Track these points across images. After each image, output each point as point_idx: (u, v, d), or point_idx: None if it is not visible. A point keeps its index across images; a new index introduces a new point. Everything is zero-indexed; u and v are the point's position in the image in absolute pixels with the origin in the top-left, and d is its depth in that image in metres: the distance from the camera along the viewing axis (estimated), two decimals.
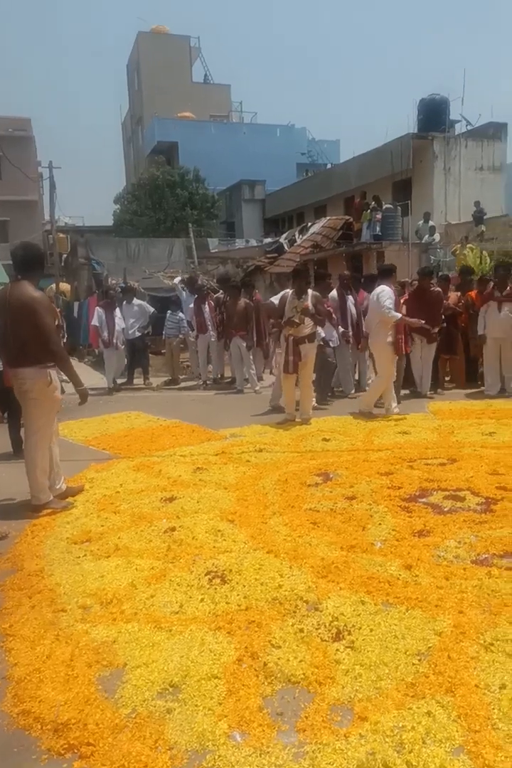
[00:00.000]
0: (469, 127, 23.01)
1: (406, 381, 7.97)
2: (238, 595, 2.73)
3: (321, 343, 7.38)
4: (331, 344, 7.87)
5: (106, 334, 9.76)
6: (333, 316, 7.86)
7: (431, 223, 17.70)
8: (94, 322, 10.02)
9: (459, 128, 23.31)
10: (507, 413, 6.64)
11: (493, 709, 1.88)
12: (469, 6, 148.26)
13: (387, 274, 7.02)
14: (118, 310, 10.01)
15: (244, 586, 2.81)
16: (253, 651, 2.27)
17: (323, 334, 7.42)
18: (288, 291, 6.71)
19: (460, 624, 2.36)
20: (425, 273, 8.19)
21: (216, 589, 2.81)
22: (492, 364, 7.84)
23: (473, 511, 3.67)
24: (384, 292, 6.68)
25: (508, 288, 7.65)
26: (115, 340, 9.76)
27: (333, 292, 8.22)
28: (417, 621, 2.40)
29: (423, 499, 3.94)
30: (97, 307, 10.29)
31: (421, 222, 17.92)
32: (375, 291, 6.89)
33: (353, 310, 8.25)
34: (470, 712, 1.85)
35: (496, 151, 22.31)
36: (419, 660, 2.15)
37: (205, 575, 2.95)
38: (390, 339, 6.70)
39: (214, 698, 2.02)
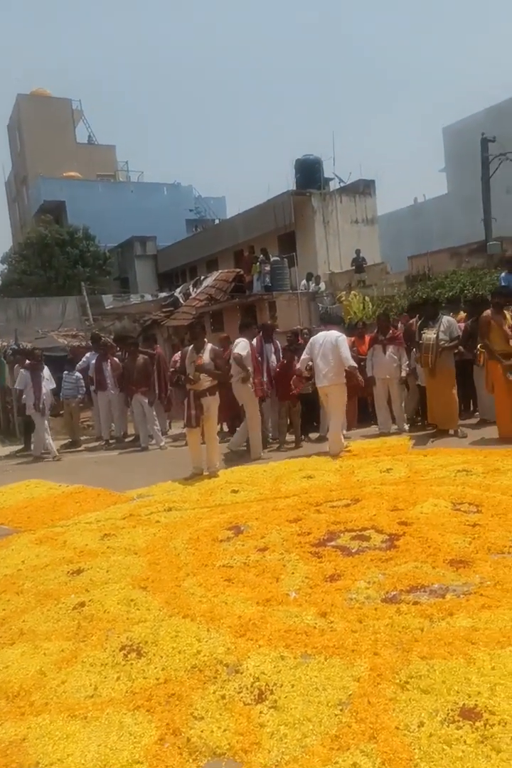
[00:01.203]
0: (342, 184, 24.92)
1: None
2: (155, 667, 2.63)
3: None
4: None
5: (32, 399, 9.23)
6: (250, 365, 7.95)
7: (314, 281, 18.67)
8: (19, 385, 9.45)
9: (333, 185, 25.16)
10: (400, 449, 7.01)
11: (414, 749, 1.93)
12: (335, 72, 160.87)
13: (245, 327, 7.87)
14: (45, 370, 9.53)
15: (162, 657, 2.72)
16: (174, 727, 2.19)
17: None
18: (189, 347, 6.79)
19: (376, 666, 2.42)
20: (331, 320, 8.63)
21: (132, 664, 2.69)
22: (382, 404, 8.28)
23: (379, 549, 3.81)
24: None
25: (390, 331, 8.18)
26: (41, 405, 9.23)
27: (254, 340, 8.35)
28: (336, 669, 2.44)
29: (332, 542, 4.04)
30: (22, 369, 9.65)
31: (304, 281, 18.87)
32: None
33: (273, 359, 8.46)
34: (393, 757, 1.89)
35: (368, 204, 24.30)
36: (341, 709, 2.18)
37: (120, 650, 2.83)
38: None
39: None
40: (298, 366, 7.63)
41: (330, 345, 7.16)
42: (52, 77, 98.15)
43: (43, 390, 9.28)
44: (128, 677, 2.59)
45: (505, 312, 6.91)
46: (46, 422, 9.36)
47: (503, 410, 6.85)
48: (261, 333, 8.58)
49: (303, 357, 7.51)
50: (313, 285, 18.57)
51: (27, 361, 9.78)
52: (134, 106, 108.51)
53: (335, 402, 7.26)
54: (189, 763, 2.02)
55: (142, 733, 2.19)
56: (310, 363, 7.34)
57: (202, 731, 2.15)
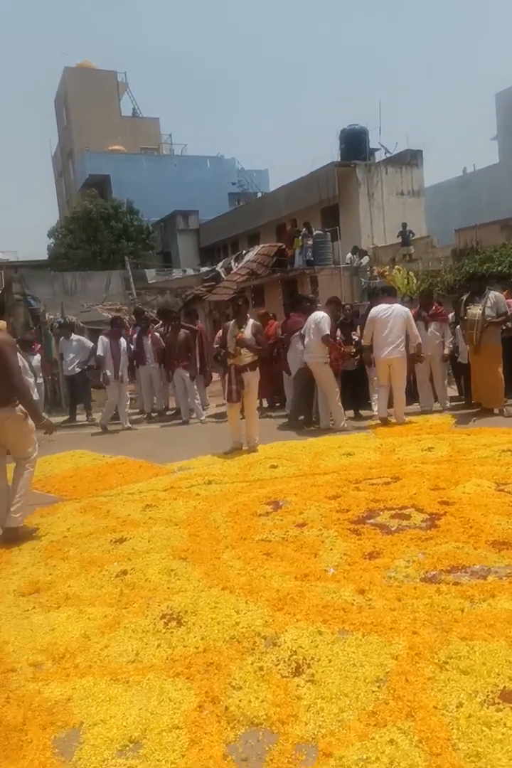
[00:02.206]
0: (388, 155, 24.23)
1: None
2: (194, 636, 2.69)
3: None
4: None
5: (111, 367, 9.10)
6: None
7: (358, 254, 18.31)
8: (100, 351, 9.17)
9: (379, 156, 24.52)
10: (442, 428, 6.89)
11: (452, 729, 1.92)
12: (383, 40, 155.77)
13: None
14: (122, 340, 9.41)
15: (201, 626, 2.77)
16: (213, 695, 2.24)
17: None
18: (231, 322, 6.81)
19: (415, 645, 2.41)
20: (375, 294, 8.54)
21: (172, 632, 2.76)
22: (425, 381, 8.13)
23: (419, 528, 3.77)
24: (324, 319, 7.19)
25: (433, 308, 7.99)
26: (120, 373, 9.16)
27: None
28: (374, 646, 2.44)
29: (371, 520, 4.02)
30: (102, 336, 9.41)
31: (350, 254, 18.54)
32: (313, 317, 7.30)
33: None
34: (431, 736, 1.89)
35: (414, 176, 23.55)
36: (378, 686, 2.19)
37: (160, 619, 2.90)
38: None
39: (176, 750, 1.98)
40: (363, 341, 7.73)
41: (401, 319, 7.33)
42: (98, 49, 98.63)
43: (122, 359, 9.17)
44: (168, 645, 2.65)
45: None
46: (127, 392, 9.25)
47: None
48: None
49: (366, 331, 7.57)
50: (357, 259, 18.26)
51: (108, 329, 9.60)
52: (178, 78, 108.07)
53: (401, 374, 7.43)
54: (227, 730, 2.06)
55: (182, 699, 2.24)
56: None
57: (240, 701, 2.19)
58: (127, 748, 2.03)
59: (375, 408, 8.00)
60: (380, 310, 7.45)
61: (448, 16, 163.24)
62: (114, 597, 3.20)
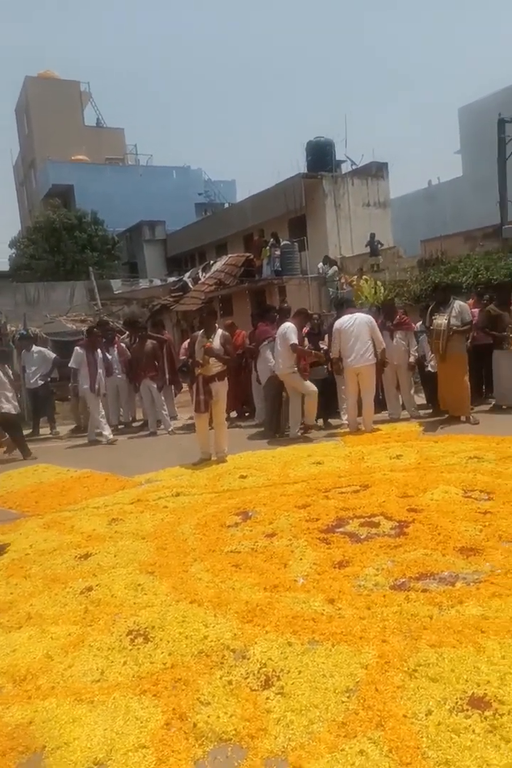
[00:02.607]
0: (354, 167, 24.63)
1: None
2: (162, 652, 2.63)
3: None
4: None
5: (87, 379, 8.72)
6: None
7: (328, 264, 18.49)
8: (74, 363, 8.83)
9: (345, 168, 24.90)
10: (410, 435, 6.96)
11: (422, 737, 1.91)
12: (349, 54, 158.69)
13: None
14: (98, 350, 9.04)
15: (168, 641, 2.71)
16: (181, 712, 2.18)
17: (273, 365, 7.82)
18: (199, 332, 6.79)
19: (384, 653, 2.40)
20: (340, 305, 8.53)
21: (139, 648, 2.69)
22: (392, 389, 8.22)
23: (388, 536, 3.78)
24: (290, 328, 7.29)
25: (396, 317, 8.09)
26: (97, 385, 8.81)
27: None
28: (344, 656, 2.42)
29: (341, 529, 4.01)
30: (77, 347, 8.99)
31: (321, 264, 18.71)
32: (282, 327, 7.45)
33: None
34: (400, 745, 1.87)
35: (380, 188, 24.00)
36: (348, 697, 2.16)
37: (127, 635, 2.82)
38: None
39: None
40: (331, 354, 7.76)
41: (365, 327, 7.43)
42: (60, 59, 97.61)
43: (99, 370, 8.85)
44: (135, 662, 2.58)
45: None
46: (100, 404, 8.88)
47: None
48: (278, 318, 8.57)
49: (333, 345, 7.63)
50: (327, 268, 18.41)
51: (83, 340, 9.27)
52: (143, 89, 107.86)
53: (370, 381, 7.51)
54: (195, 747, 2.01)
55: (149, 717, 2.18)
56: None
57: (208, 716, 2.15)
58: None
59: (344, 417, 8.06)
60: (344, 321, 7.55)
61: (413, 31, 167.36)
62: (78, 615, 3.11)
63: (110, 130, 41.13)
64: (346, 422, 7.80)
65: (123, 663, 2.59)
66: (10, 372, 8.65)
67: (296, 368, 7.42)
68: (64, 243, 26.86)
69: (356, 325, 7.45)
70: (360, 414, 7.61)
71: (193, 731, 2.09)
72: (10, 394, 8.09)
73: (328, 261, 18.81)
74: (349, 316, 7.61)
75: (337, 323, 7.63)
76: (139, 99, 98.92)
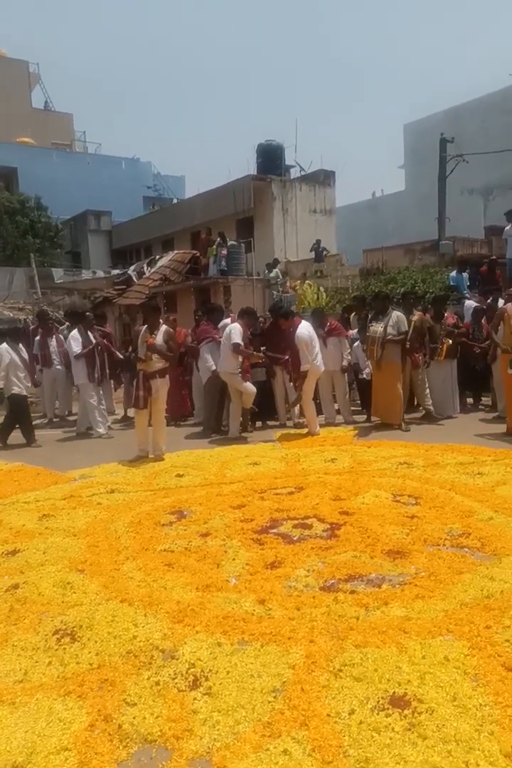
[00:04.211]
0: (303, 173, 24.94)
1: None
2: (89, 652, 2.59)
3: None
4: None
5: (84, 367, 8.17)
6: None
7: (273, 264, 18.60)
8: (76, 347, 8.16)
9: (294, 173, 25.18)
10: (345, 440, 7.11)
11: (344, 736, 1.96)
12: (302, 61, 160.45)
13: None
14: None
15: (96, 641, 2.67)
16: (106, 713, 2.16)
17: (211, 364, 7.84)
18: (143, 327, 6.71)
19: (311, 654, 2.45)
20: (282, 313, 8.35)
21: (65, 649, 2.63)
22: (327, 395, 8.37)
23: (320, 538, 3.85)
24: (234, 329, 7.27)
25: (328, 324, 8.20)
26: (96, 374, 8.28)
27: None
28: (272, 656, 2.45)
29: (274, 530, 4.06)
30: (74, 331, 8.36)
31: (267, 269, 18.80)
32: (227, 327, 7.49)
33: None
34: (323, 744, 1.92)
35: (327, 195, 24.44)
36: (274, 697, 2.20)
37: (53, 635, 2.76)
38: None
39: None
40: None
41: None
42: (9, 37, 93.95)
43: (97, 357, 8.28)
44: (60, 662, 2.53)
45: None
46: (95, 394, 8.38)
47: (510, 404, 6.94)
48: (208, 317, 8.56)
49: (308, 354, 7.32)
50: (266, 272, 18.50)
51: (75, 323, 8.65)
52: (95, 77, 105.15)
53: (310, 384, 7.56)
54: (119, 749, 1.99)
55: (72, 719, 2.15)
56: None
57: (134, 718, 2.13)
58: None
59: (282, 419, 8.24)
60: (309, 328, 7.50)
61: (366, 45, 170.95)
62: (2, 613, 3.02)
63: (58, 114, 39.93)
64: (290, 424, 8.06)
65: (48, 663, 2.53)
66: (25, 352, 8.14)
67: (240, 370, 7.43)
68: (4, 227, 25.79)
69: (313, 333, 7.49)
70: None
71: (117, 733, 2.07)
72: (22, 376, 7.83)
73: (275, 262, 18.94)
74: (307, 323, 7.58)
75: (308, 332, 7.44)
76: (90, 86, 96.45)
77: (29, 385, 8.11)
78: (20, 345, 8.10)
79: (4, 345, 7.81)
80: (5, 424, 8.07)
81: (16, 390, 7.76)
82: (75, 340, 8.22)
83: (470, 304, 9.74)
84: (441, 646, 2.45)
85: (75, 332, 8.34)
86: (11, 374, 7.72)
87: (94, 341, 8.31)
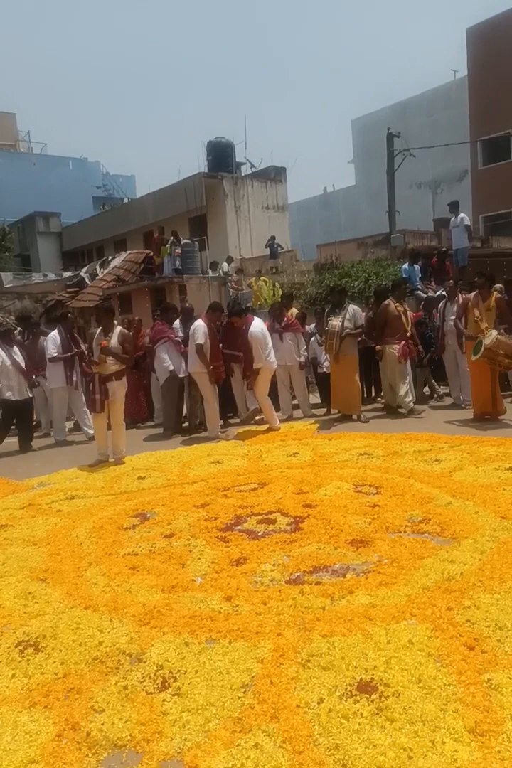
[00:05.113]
0: (253, 170, 25.00)
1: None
2: (54, 662, 2.53)
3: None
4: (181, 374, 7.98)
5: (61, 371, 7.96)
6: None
7: (233, 265, 18.60)
8: (53, 350, 7.89)
9: (245, 170, 25.21)
10: (306, 434, 7.18)
11: (314, 725, 1.98)
12: (249, 59, 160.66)
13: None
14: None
15: (61, 650, 2.62)
16: (73, 722, 2.12)
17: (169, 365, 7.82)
18: (97, 329, 6.60)
19: (279, 647, 2.47)
20: (235, 311, 8.30)
21: (28, 660, 2.57)
22: (284, 390, 8.43)
23: (284, 532, 3.88)
24: (199, 328, 7.23)
25: (285, 319, 8.27)
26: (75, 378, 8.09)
27: (177, 322, 8.29)
28: (240, 652, 2.46)
29: (239, 527, 4.07)
30: (54, 333, 8.14)
31: (225, 264, 18.77)
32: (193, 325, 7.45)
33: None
34: (294, 735, 1.93)
35: (279, 191, 24.59)
36: (244, 692, 2.20)
37: (15, 647, 2.69)
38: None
39: None
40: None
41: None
42: None
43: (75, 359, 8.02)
44: (24, 674, 2.47)
45: (493, 295, 7.03)
46: (82, 398, 8.17)
47: (475, 391, 7.11)
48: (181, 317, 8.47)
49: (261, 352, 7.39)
50: (226, 266, 18.45)
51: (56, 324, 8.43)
52: (39, 75, 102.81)
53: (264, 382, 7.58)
54: (88, 757, 1.96)
55: (39, 730, 2.10)
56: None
57: (102, 724, 2.10)
58: None
59: (242, 416, 8.21)
60: (262, 327, 7.53)
61: (308, 44, 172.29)
62: None
63: (1, 113, 38.82)
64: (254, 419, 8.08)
65: (11, 676, 2.47)
66: (20, 355, 7.74)
67: (207, 369, 7.31)
68: None
69: (266, 332, 7.54)
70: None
71: (86, 740, 2.03)
72: (15, 381, 7.49)
73: (229, 259, 18.92)
74: (260, 321, 7.63)
75: (261, 330, 7.48)
76: (34, 85, 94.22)
77: (24, 390, 7.74)
78: (14, 347, 7.78)
79: None
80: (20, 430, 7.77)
81: (8, 395, 7.48)
82: (53, 342, 7.95)
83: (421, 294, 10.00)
84: (405, 631, 2.50)
85: (54, 334, 8.07)
86: (2, 378, 7.42)
87: (74, 346, 8.03)
